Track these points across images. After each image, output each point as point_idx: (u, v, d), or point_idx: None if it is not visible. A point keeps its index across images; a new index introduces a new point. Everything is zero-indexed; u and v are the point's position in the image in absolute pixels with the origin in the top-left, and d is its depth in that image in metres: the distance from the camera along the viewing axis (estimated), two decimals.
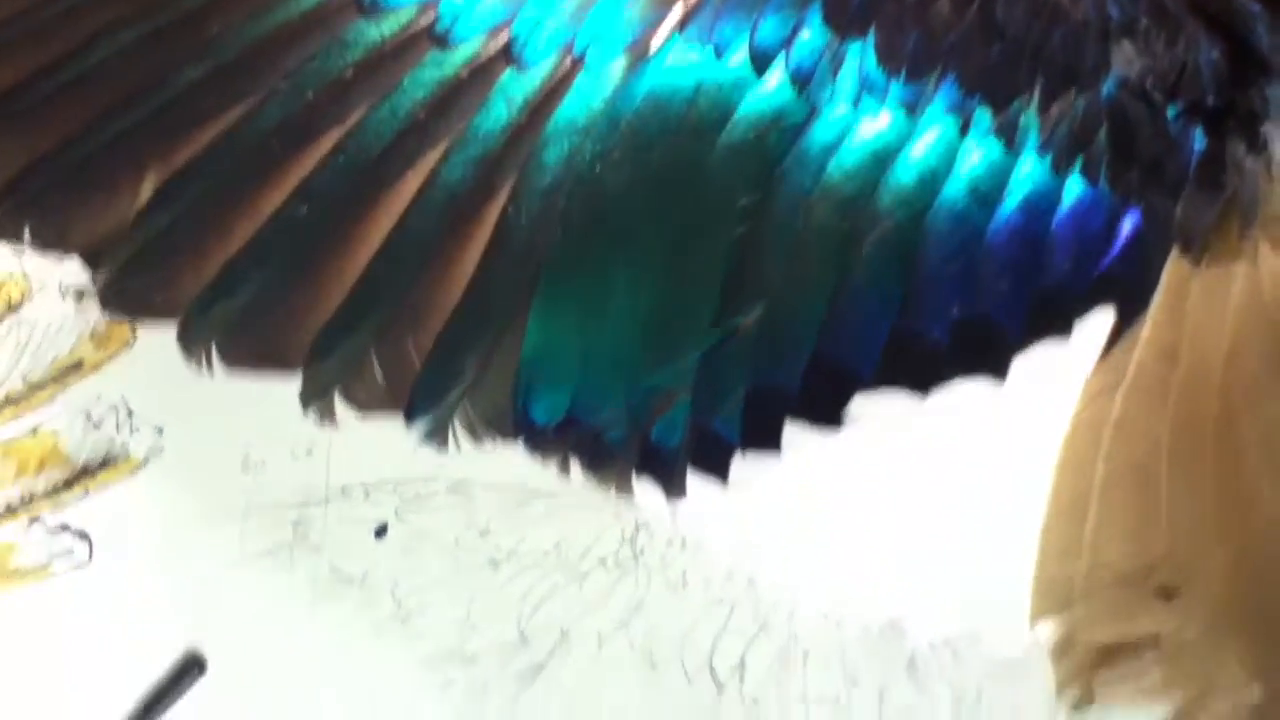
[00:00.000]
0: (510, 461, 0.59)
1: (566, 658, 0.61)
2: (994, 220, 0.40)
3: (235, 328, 0.42)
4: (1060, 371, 0.40)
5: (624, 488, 0.42)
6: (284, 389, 0.59)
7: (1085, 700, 0.40)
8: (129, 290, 0.42)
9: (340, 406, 0.43)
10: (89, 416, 0.60)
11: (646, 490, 0.42)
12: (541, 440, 0.42)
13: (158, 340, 0.58)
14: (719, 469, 0.41)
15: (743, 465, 0.41)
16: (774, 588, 0.61)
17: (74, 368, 0.58)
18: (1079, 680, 0.40)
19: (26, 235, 0.42)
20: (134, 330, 0.58)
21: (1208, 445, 0.38)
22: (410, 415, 0.42)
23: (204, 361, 0.42)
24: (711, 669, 0.61)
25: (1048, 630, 0.39)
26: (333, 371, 0.42)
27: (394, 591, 0.60)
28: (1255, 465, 0.38)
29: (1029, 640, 0.41)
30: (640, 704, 0.61)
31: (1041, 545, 0.39)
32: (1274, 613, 0.38)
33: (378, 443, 0.60)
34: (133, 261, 0.42)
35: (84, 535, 0.59)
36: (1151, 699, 0.39)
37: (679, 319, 0.41)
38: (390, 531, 0.61)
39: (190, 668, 0.59)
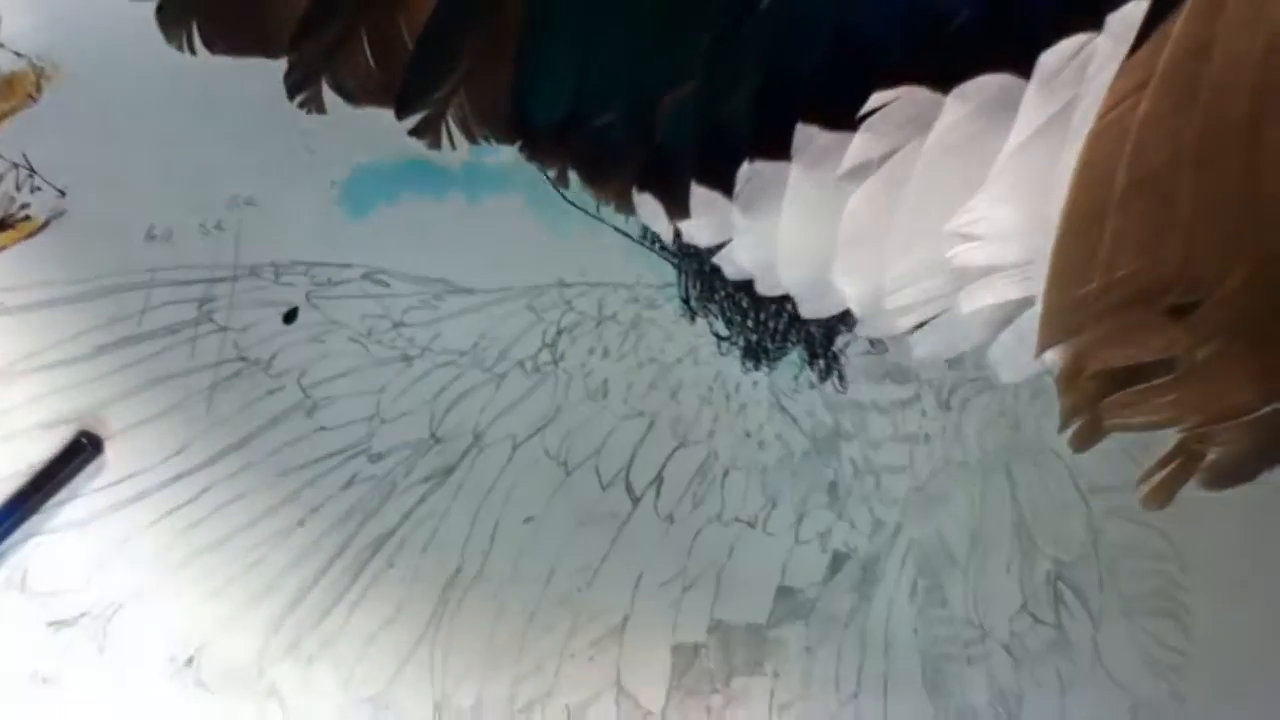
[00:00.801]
0: (430, 255, 0.57)
1: (478, 460, 0.59)
2: None
3: (217, 3, 0.39)
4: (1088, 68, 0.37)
5: (624, 202, 0.39)
6: (196, 156, 0.57)
7: (1094, 429, 0.38)
8: None
9: (330, 95, 0.39)
10: None
11: (646, 204, 0.39)
12: (540, 144, 0.38)
13: (67, 96, 0.56)
14: (724, 179, 0.38)
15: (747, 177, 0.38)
16: (695, 403, 0.60)
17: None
18: (1087, 408, 0.37)
19: None
20: (39, 84, 0.55)
21: (1234, 151, 0.35)
22: (401, 106, 0.38)
23: (185, 44, 0.39)
24: (628, 482, 0.60)
25: (1055, 357, 0.37)
26: (319, 54, 0.38)
27: (300, 380, 0.58)
28: None
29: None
30: (551, 512, 0.59)
31: (1053, 265, 0.36)
32: None
33: (292, 222, 0.57)
34: None
35: None
36: (1162, 424, 0.37)
37: (686, 14, 0.37)
38: (300, 317, 0.58)
39: (83, 445, 0.57)
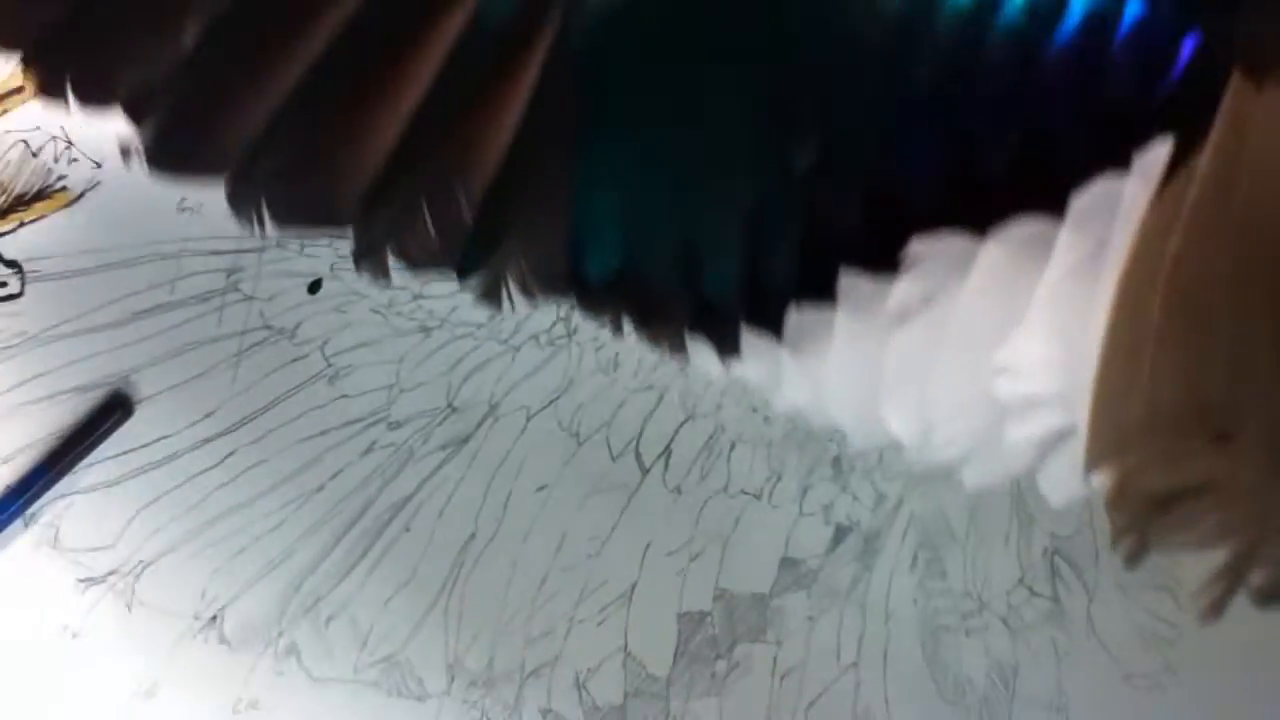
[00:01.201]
0: None
1: (493, 430, 0.61)
2: (1052, 41, 0.38)
3: (284, 183, 0.40)
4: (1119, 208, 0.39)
5: (677, 346, 0.41)
6: None
7: (1141, 548, 0.39)
8: (176, 146, 0.40)
9: (393, 263, 0.41)
10: (27, 145, 0.59)
11: (700, 349, 0.41)
12: (594, 299, 0.40)
13: None
14: (773, 322, 0.40)
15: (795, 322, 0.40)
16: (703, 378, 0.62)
17: (15, 92, 0.57)
18: (1135, 529, 0.39)
19: (70, 90, 0.40)
20: None
21: (1269, 279, 0.37)
22: (463, 272, 0.40)
23: (255, 220, 0.40)
24: (638, 453, 0.61)
25: (1101, 479, 0.38)
26: (384, 226, 0.40)
27: (323, 349, 0.60)
28: None
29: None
30: (563, 481, 0.61)
31: (1095, 395, 0.38)
32: None
33: None
34: (177, 113, 0.40)
35: (16, 266, 0.59)
36: (1208, 545, 0.39)
37: (731, 159, 0.39)
38: (324, 287, 0.60)
39: (115, 408, 0.59)
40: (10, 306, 0.59)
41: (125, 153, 0.40)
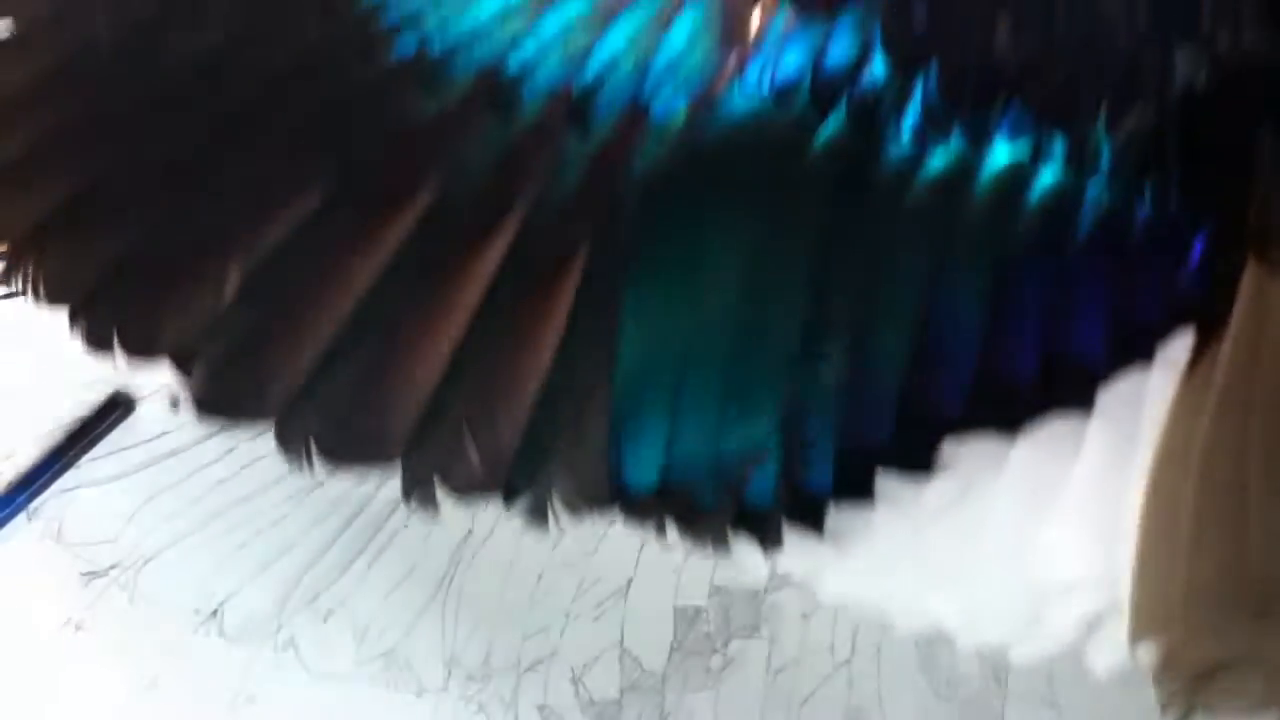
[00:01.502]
0: None
1: None
2: (1072, 248, 0.39)
3: (332, 422, 0.41)
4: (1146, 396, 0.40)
5: (720, 546, 0.41)
6: None
7: (1189, 713, 0.40)
8: (223, 393, 0.41)
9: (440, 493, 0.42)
10: None
11: (741, 543, 0.42)
12: (638, 508, 0.41)
13: None
14: (814, 522, 0.41)
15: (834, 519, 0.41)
16: None
17: None
18: (1182, 698, 0.40)
19: (116, 342, 0.41)
20: None
21: None
22: (509, 496, 0.41)
23: (304, 458, 0.41)
24: None
25: (1147, 650, 0.39)
26: (431, 459, 0.41)
27: None
28: None
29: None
30: None
31: (1137, 570, 0.39)
32: None
33: None
34: (224, 362, 0.41)
35: None
36: (1255, 712, 0.40)
37: (760, 372, 0.40)
38: None
39: (117, 404, 0.59)
40: (10, 305, 0.59)
41: (174, 402, 0.41)
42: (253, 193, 0.41)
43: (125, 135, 0.41)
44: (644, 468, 0.40)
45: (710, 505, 0.40)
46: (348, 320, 0.40)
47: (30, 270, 0.42)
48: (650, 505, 0.41)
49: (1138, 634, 0.39)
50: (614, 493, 0.40)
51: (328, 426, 0.41)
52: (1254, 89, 0.39)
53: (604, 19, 0.40)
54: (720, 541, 0.41)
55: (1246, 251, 0.39)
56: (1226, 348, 0.39)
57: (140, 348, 0.41)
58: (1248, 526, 0.38)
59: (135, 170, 0.41)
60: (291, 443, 0.41)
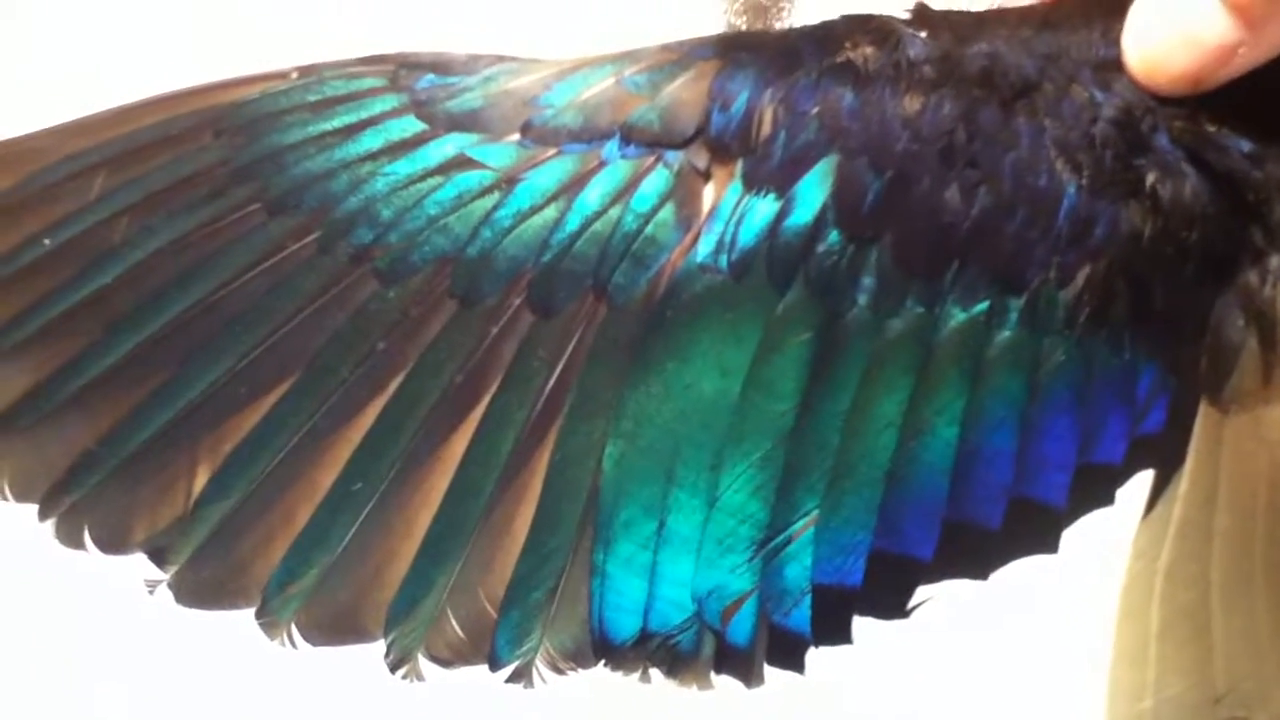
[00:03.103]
0: None
1: None
2: (1030, 403, 0.40)
3: (310, 605, 0.41)
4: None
5: (704, 685, 0.42)
6: None
7: None
8: (200, 583, 0.41)
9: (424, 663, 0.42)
10: None
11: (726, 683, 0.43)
12: (620, 660, 0.42)
13: None
14: (794, 662, 0.42)
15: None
16: None
17: None
18: None
19: (87, 538, 0.41)
20: None
21: (1258, 586, 0.40)
22: (494, 663, 0.41)
23: (287, 639, 0.41)
24: None
25: None
26: (412, 634, 0.41)
27: None
28: None
29: None
30: None
31: (1110, 688, 0.41)
32: None
33: None
34: (198, 554, 0.41)
35: None
36: None
37: (734, 531, 0.41)
38: None
39: None
40: None
41: (151, 589, 0.41)
42: (216, 390, 0.41)
43: (84, 333, 0.41)
44: (625, 620, 0.41)
45: (692, 651, 0.41)
46: (321, 508, 0.41)
47: None
48: (633, 655, 0.42)
49: None
50: (597, 649, 0.41)
51: (307, 609, 0.41)
52: (1197, 237, 0.40)
53: (564, 201, 0.40)
54: (704, 683, 0.42)
55: (1199, 395, 0.41)
56: (1184, 484, 0.41)
57: (112, 544, 0.41)
58: (1210, 645, 0.40)
59: (97, 367, 0.41)
60: (273, 626, 0.41)
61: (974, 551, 0.41)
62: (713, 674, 0.42)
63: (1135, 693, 0.41)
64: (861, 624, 0.42)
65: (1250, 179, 0.40)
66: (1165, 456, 0.41)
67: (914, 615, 0.42)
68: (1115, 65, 0.40)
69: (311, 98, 0.42)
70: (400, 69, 0.42)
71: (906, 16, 0.42)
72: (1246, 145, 0.40)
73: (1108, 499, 0.41)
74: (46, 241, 0.41)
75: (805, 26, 0.42)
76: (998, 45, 0.41)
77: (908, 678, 0.85)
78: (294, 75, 0.43)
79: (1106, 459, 0.41)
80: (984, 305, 0.40)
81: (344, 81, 0.43)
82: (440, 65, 0.42)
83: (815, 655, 0.42)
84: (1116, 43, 0.40)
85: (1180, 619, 0.40)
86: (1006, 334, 0.40)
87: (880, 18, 0.42)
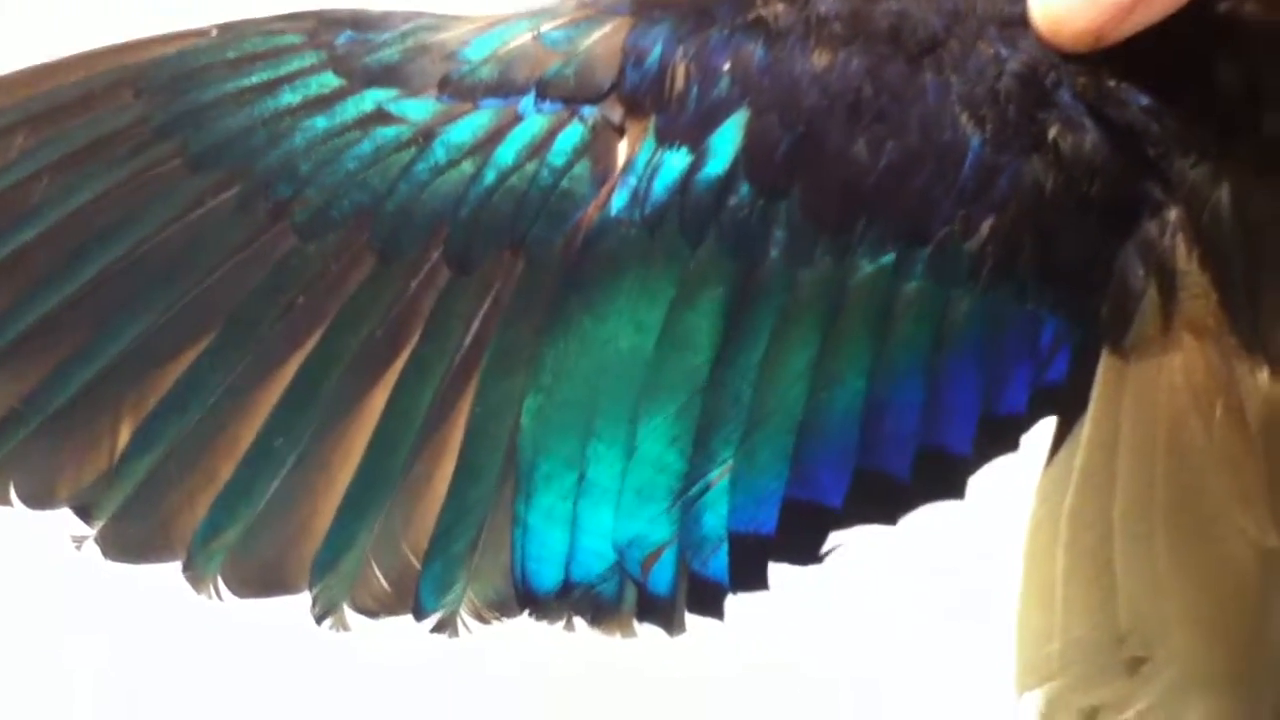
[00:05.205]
0: None
1: None
2: (937, 353, 0.42)
3: (236, 559, 0.42)
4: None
5: (627, 633, 0.43)
6: None
7: None
8: (126, 538, 0.42)
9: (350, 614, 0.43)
10: None
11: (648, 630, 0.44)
12: (545, 609, 0.42)
13: None
14: (714, 609, 0.43)
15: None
16: None
17: None
18: None
19: (13, 493, 0.41)
20: None
21: (1157, 525, 0.41)
22: (418, 613, 0.42)
23: (213, 592, 0.42)
24: None
25: (1033, 700, 0.42)
26: (337, 586, 0.42)
27: None
28: (1199, 545, 0.41)
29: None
30: None
31: (1018, 631, 0.42)
32: (1228, 669, 0.41)
33: None
34: (123, 510, 0.41)
35: None
36: None
37: (652, 481, 0.42)
38: None
39: None
40: None
41: (77, 543, 0.42)
42: (138, 346, 0.41)
43: (7, 288, 0.42)
44: (547, 571, 0.42)
45: (615, 600, 0.42)
46: (244, 464, 0.42)
47: None
48: (556, 605, 0.42)
49: (1024, 685, 0.42)
50: (520, 599, 0.42)
51: (232, 562, 0.42)
52: (1098, 189, 0.41)
53: (481, 155, 0.41)
54: (628, 631, 0.43)
55: (1101, 344, 0.42)
56: (1086, 430, 0.42)
57: (38, 500, 0.42)
58: (1113, 586, 0.41)
59: (18, 325, 0.41)
60: (199, 579, 0.42)
61: (883, 499, 0.42)
62: (635, 622, 0.43)
63: (1043, 635, 0.42)
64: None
65: (1149, 132, 0.41)
66: (1068, 405, 0.42)
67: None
68: (1021, 21, 0.41)
69: (230, 54, 0.43)
70: (319, 25, 0.43)
71: None
72: (1146, 100, 0.41)
73: (1013, 446, 0.42)
74: None
75: None
76: (906, 3, 0.41)
77: (903, 674, 0.86)
78: (213, 33, 0.43)
79: (1011, 409, 0.42)
80: (890, 257, 0.41)
81: (262, 38, 0.43)
82: (359, 21, 0.43)
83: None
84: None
85: (1084, 561, 0.42)
86: (913, 285, 0.41)
87: None
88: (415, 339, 0.42)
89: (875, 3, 0.42)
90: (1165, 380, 0.41)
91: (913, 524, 0.43)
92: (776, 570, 0.43)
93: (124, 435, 0.42)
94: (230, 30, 0.43)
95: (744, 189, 0.41)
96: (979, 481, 0.43)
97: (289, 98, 0.42)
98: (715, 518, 0.42)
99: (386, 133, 0.42)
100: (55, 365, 0.42)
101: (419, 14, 0.43)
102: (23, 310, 0.42)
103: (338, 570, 0.42)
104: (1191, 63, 0.41)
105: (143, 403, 0.42)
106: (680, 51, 0.41)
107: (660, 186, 0.41)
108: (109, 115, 0.42)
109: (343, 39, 0.42)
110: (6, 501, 0.42)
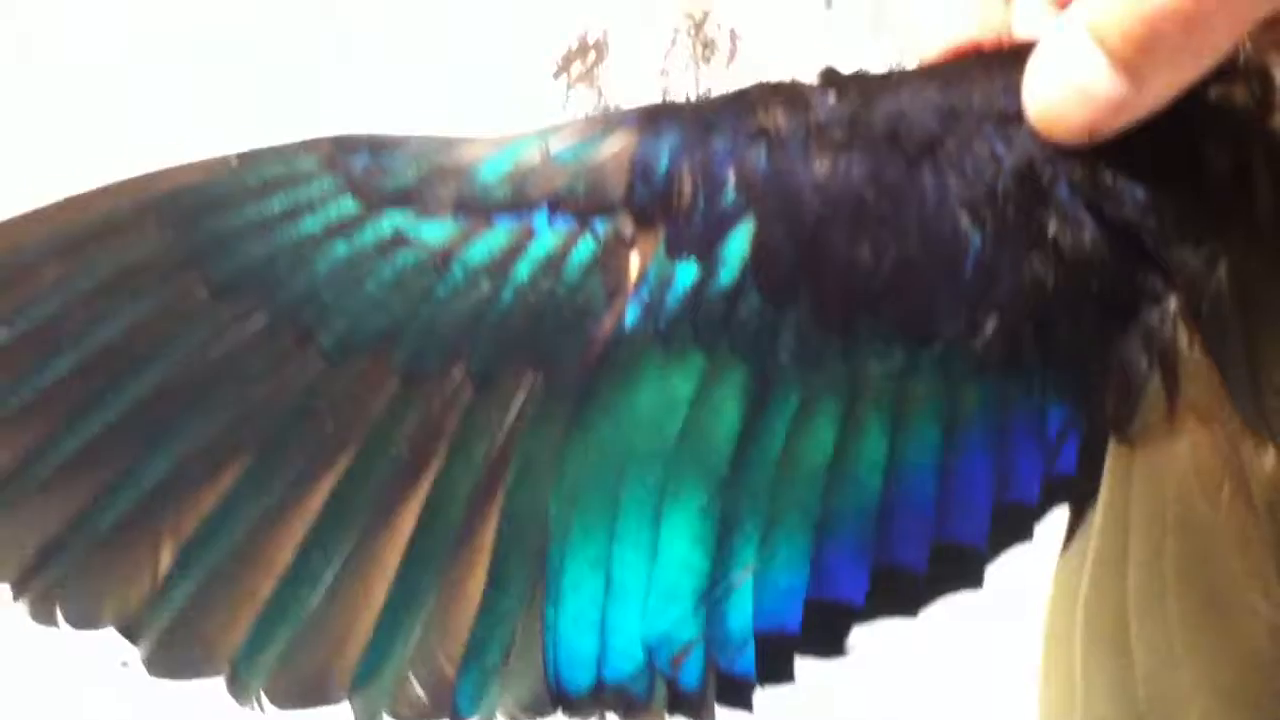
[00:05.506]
0: None
1: None
2: (948, 449, 0.43)
3: (278, 673, 0.43)
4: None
5: None
6: None
7: None
8: (171, 657, 0.43)
9: None
10: None
11: None
12: (577, 708, 0.43)
13: None
14: (743, 702, 0.44)
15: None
16: None
17: None
18: None
19: (60, 617, 0.42)
20: None
21: (1170, 600, 0.42)
22: (455, 718, 0.43)
23: (256, 705, 0.43)
24: None
25: None
26: (376, 697, 0.43)
27: None
28: (1211, 621, 0.42)
29: None
30: None
31: (1040, 710, 0.43)
32: None
33: None
34: (168, 630, 0.42)
35: None
36: None
37: (678, 582, 0.43)
38: None
39: None
40: None
41: (124, 664, 0.43)
42: (175, 471, 0.42)
43: (45, 421, 0.43)
44: (580, 673, 0.43)
45: (646, 697, 0.43)
46: (282, 583, 0.43)
47: None
48: (590, 704, 0.44)
49: None
50: (554, 700, 0.43)
51: (274, 677, 0.43)
52: (1098, 283, 0.42)
53: (498, 274, 0.42)
54: None
55: (1107, 432, 0.43)
56: (1098, 517, 0.43)
57: (83, 621, 0.43)
58: (1132, 666, 0.42)
59: (60, 453, 0.43)
60: (243, 693, 0.43)
61: (903, 594, 0.43)
62: (666, 716, 0.44)
63: (1065, 714, 0.43)
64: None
65: (1146, 225, 0.41)
66: (1079, 493, 0.43)
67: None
68: (1016, 117, 0.42)
69: (250, 182, 0.44)
70: (336, 150, 0.44)
71: (816, 82, 0.43)
72: (1141, 192, 0.41)
73: (1027, 536, 0.43)
74: (3, 331, 0.43)
75: (721, 96, 0.44)
76: (902, 104, 0.42)
77: (900, 680, 0.87)
78: (234, 162, 0.44)
79: (1022, 499, 0.43)
80: (899, 357, 0.42)
81: (281, 164, 0.44)
82: (375, 144, 0.44)
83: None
84: (1016, 94, 0.42)
85: (1101, 642, 0.42)
86: (921, 384, 0.42)
87: (790, 84, 0.43)
88: (442, 455, 0.43)
89: (873, 106, 0.43)
90: (1172, 465, 0.42)
91: None
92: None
93: (166, 558, 0.43)
94: (250, 158, 0.44)
95: (753, 297, 0.42)
96: None
97: (309, 225, 0.43)
98: (740, 617, 0.43)
99: (406, 256, 0.43)
100: (96, 492, 0.43)
101: (432, 136, 0.44)
102: (62, 439, 0.43)
103: (377, 682, 0.43)
104: (1183, 148, 0.42)
105: (183, 526, 0.43)
106: (686, 163, 0.43)
107: (673, 299, 0.42)
108: (135, 246, 0.44)
109: (359, 163, 0.44)
110: (54, 623, 0.43)
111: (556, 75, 1.26)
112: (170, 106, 1.12)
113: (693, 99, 0.44)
